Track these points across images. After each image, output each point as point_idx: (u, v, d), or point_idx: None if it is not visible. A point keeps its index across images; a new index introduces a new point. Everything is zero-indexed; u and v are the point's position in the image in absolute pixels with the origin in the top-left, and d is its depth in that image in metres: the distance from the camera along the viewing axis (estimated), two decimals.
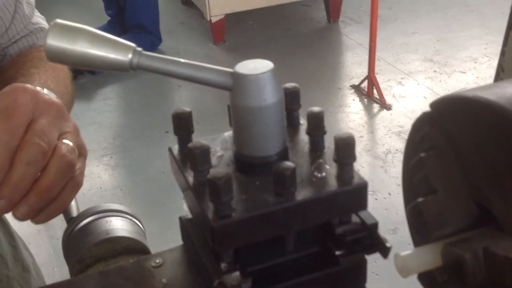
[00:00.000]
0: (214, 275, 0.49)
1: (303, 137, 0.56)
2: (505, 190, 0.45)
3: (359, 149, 3.01)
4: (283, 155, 0.52)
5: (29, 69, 0.80)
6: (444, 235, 0.48)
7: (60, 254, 0.78)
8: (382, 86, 3.40)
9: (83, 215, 0.76)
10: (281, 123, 0.52)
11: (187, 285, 0.56)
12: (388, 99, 3.38)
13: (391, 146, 3.01)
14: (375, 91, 3.38)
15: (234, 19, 4.21)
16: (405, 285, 0.67)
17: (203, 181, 0.50)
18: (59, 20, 0.49)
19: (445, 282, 0.48)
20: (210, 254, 0.51)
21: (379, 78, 3.46)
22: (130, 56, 0.49)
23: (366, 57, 3.40)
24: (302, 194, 0.49)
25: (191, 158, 0.50)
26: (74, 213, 0.79)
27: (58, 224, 0.78)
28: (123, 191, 2.71)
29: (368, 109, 3.37)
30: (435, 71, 3.69)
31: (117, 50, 0.49)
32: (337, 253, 0.53)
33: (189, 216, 0.57)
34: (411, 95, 3.45)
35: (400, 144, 3.00)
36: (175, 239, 0.61)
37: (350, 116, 3.31)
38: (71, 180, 0.61)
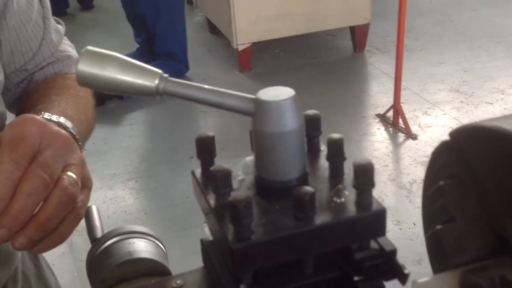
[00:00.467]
0: None
1: (323, 163, 0.57)
2: None
3: (384, 178, 2.99)
4: (303, 180, 0.53)
5: (50, 96, 0.82)
6: (462, 262, 0.48)
7: (84, 276, 0.79)
8: (407, 115, 3.39)
9: (107, 236, 0.78)
10: (301, 148, 0.53)
11: None
12: (414, 129, 3.37)
13: (416, 176, 2.99)
14: (400, 120, 3.37)
15: (261, 47, 4.26)
16: None
17: (224, 204, 0.51)
18: (90, 47, 0.52)
19: None
20: (230, 276, 0.52)
21: (405, 107, 3.45)
22: (156, 82, 0.51)
23: (392, 87, 3.40)
24: (321, 218, 0.50)
25: (213, 181, 0.52)
26: (99, 234, 0.81)
27: (83, 246, 0.80)
28: (147, 214, 2.73)
29: (393, 138, 3.35)
30: (461, 101, 3.67)
31: (144, 76, 0.51)
32: (356, 278, 0.53)
33: (210, 238, 0.58)
34: (437, 125, 3.43)
35: None
36: (197, 263, 0.62)
37: (375, 144, 3.30)
38: (71, 212, 0.61)
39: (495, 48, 4.33)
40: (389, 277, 0.53)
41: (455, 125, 3.40)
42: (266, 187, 0.53)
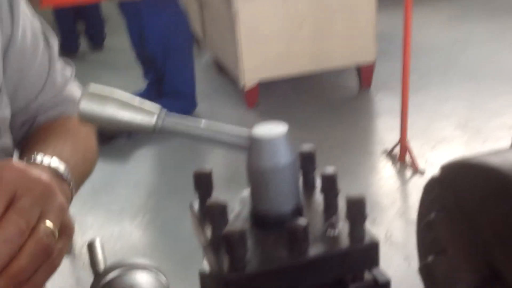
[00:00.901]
0: None
1: (318, 196, 0.58)
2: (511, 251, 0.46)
3: (392, 213, 2.98)
4: (298, 212, 0.55)
5: (47, 139, 0.82)
6: None
7: None
8: (415, 151, 3.39)
9: (109, 270, 0.79)
10: (295, 182, 0.54)
11: None
12: (421, 165, 3.37)
13: None
14: (407, 156, 3.38)
15: (267, 85, 4.31)
16: None
17: (220, 236, 0.52)
18: (91, 87, 0.54)
19: None
20: None
21: (412, 143, 3.46)
22: (154, 119, 0.53)
23: (398, 123, 3.42)
24: (314, 250, 0.51)
25: (209, 214, 0.54)
26: (101, 267, 0.82)
27: (90, 281, 0.80)
28: (154, 250, 2.73)
29: (400, 174, 3.36)
30: (468, 137, 3.68)
31: (142, 114, 0.53)
32: None
33: (208, 270, 0.59)
34: (444, 161, 3.43)
35: None
36: None
37: (382, 180, 3.30)
38: (46, 262, 0.59)
39: (501, 84, 4.35)
40: None
41: None
42: (261, 220, 0.55)
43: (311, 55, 4.25)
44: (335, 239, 0.52)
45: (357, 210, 0.51)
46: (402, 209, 3.04)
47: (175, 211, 2.98)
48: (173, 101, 3.96)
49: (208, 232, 0.54)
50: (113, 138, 3.75)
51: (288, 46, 4.16)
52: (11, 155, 0.85)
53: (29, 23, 0.89)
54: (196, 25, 5.21)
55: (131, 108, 0.54)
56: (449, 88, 4.40)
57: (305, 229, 0.50)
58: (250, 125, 0.54)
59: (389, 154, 3.52)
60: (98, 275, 0.79)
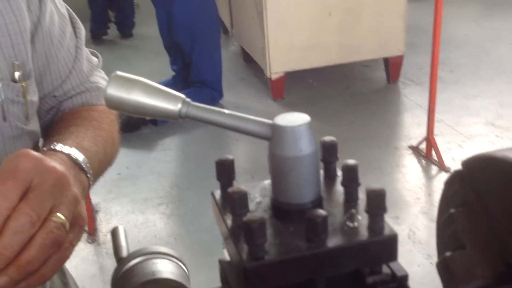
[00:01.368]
0: None
1: (339, 188, 0.58)
2: None
3: (415, 211, 2.95)
4: (318, 203, 0.55)
5: (70, 127, 0.83)
6: None
7: None
8: (441, 148, 3.35)
9: (131, 256, 0.80)
10: (315, 173, 0.54)
11: None
12: (447, 162, 3.33)
13: None
14: (433, 152, 3.34)
15: (294, 77, 4.30)
16: None
17: (240, 225, 0.53)
18: (118, 72, 0.55)
19: None
20: None
21: (438, 140, 3.42)
22: (179, 106, 0.54)
23: (425, 118, 3.38)
24: (333, 241, 0.51)
25: (230, 202, 0.54)
26: (124, 254, 0.84)
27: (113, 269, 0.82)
28: (177, 239, 2.76)
29: (426, 170, 3.32)
30: (496, 135, 3.62)
31: (168, 100, 0.54)
32: None
33: (228, 259, 0.60)
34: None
35: None
36: None
37: (407, 176, 3.27)
38: (56, 254, 0.61)
39: None
40: None
41: None
42: (282, 210, 0.55)
43: (339, 47, 4.22)
44: (353, 231, 0.52)
45: (377, 203, 0.51)
46: (426, 206, 3.01)
47: (198, 200, 3.01)
48: (199, 91, 3.99)
49: (229, 220, 0.55)
50: (140, 127, 3.79)
51: (316, 37, 4.14)
52: (38, 140, 0.87)
53: (57, 9, 0.90)
54: (224, 15, 5.22)
55: (156, 94, 0.54)
56: (479, 84, 4.33)
57: (324, 219, 0.50)
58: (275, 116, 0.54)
59: (415, 149, 3.48)
60: (120, 262, 0.80)
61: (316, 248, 0.50)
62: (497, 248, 0.49)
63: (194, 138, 3.68)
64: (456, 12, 5.72)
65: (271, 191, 0.57)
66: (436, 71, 3.24)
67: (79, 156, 0.75)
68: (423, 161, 3.39)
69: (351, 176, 0.56)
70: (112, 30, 5.95)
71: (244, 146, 3.59)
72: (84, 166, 0.74)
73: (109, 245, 2.84)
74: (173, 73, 4.25)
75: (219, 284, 0.63)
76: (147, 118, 3.48)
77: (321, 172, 0.60)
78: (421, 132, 3.52)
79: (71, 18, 0.94)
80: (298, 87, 4.39)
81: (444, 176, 3.23)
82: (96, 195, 3.06)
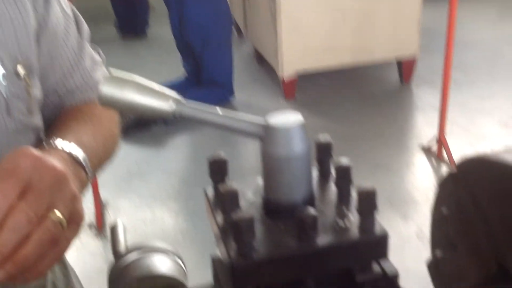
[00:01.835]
0: None
1: (332, 187, 0.58)
2: None
3: (425, 210, 2.93)
4: (309, 202, 0.55)
5: (69, 123, 0.84)
6: None
7: None
8: (452, 148, 3.32)
9: (128, 252, 0.81)
10: (308, 172, 0.54)
11: None
12: None
13: None
14: (444, 153, 3.32)
15: (306, 77, 4.29)
16: None
17: (230, 223, 0.53)
18: (113, 71, 0.55)
19: None
20: None
21: (451, 140, 3.39)
22: (172, 105, 0.54)
23: (437, 119, 3.36)
24: (323, 240, 0.51)
25: (221, 200, 0.54)
26: (122, 249, 0.84)
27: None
28: (184, 236, 2.77)
29: (436, 171, 3.30)
30: (509, 136, 3.58)
31: (161, 100, 0.54)
32: None
33: (219, 256, 0.60)
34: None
35: None
36: None
37: (417, 176, 3.25)
38: (52, 250, 0.62)
39: None
40: None
41: None
42: (273, 208, 0.55)
43: (352, 48, 4.20)
44: (344, 230, 0.52)
45: (368, 202, 0.51)
46: None
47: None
48: (211, 90, 3.99)
49: (219, 218, 0.55)
50: (151, 126, 3.80)
51: (329, 38, 4.12)
52: (41, 135, 0.88)
53: (62, 9, 0.91)
54: (237, 15, 5.22)
55: (150, 93, 0.55)
56: (493, 85, 4.28)
57: (315, 218, 0.50)
58: None
59: (427, 149, 3.46)
60: (118, 257, 0.80)
61: (306, 247, 0.50)
62: (488, 249, 0.48)
63: (204, 137, 3.68)
64: (472, 14, 5.67)
65: (263, 189, 0.57)
66: (449, 71, 3.22)
67: (79, 153, 0.75)
68: (434, 161, 3.37)
69: (344, 175, 0.56)
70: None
71: (253, 146, 3.58)
72: (83, 162, 0.75)
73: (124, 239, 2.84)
74: (185, 73, 4.26)
75: None
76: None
77: (315, 171, 0.60)
78: (433, 133, 3.49)
79: (75, 17, 0.95)
80: (310, 88, 4.38)
81: None
82: (105, 191, 3.07)
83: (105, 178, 3.20)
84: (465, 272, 0.49)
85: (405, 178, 3.25)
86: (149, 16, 6.04)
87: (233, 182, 0.57)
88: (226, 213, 0.54)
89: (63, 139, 0.76)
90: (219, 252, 0.59)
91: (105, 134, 0.88)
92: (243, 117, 0.55)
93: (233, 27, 4.35)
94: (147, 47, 5.71)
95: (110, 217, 2.95)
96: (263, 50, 4.63)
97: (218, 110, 0.55)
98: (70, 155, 0.74)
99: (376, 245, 0.51)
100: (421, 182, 3.19)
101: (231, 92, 4.15)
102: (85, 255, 2.67)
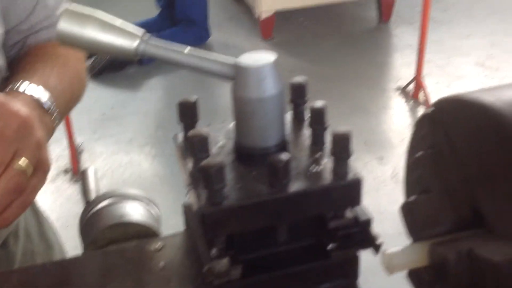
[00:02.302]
0: (205, 260, 0.51)
1: (306, 131, 0.56)
2: (497, 193, 0.44)
3: (400, 151, 2.96)
4: (282, 147, 0.53)
5: (35, 64, 0.81)
6: (433, 234, 0.48)
7: None
8: (429, 89, 3.33)
9: (100, 199, 0.79)
10: (280, 115, 0.52)
11: (184, 270, 0.57)
12: None
13: None
14: (421, 94, 3.32)
15: (284, 16, 4.21)
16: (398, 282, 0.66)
17: (199, 169, 0.51)
18: (71, 6, 0.51)
19: (431, 282, 0.47)
20: (204, 240, 0.52)
21: (428, 80, 3.39)
22: (136, 43, 0.51)
23: (415, 59, 3.34)
24: (295, 186, 0.50)
25: (191, 145, 0.52)
26: (93, 196, 0.82)
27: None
28: (161, 179, 2.76)
29: (413, 112, 3.31)
30: (486, 76, 3.59)
31: (124, 37, 0.51)
32: (329, 247, 0.53)
33: (190, 203, 0.58)
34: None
35: None
36: None
37: (393, 118, 3.26)
38: (19, 198, 0.61)
39: None
40: (363, 247, 0.53)
41: None
42: (245, 154, 0.53)
43: None
44: (317, 175, 0.50)
45: (342, 146, 0.49)
46: None
47: None
48: (185, 30, 3.90)
49: (189, 164, 0.53)
50: (125, 67, 3.72)
51: None
52: (4, 75, 0.84)
53: None
54: None
55: (112, 30, 0.51)
56: (472, 23, 4.25)
57: (286, 164, 0.48)
58: None
59: (403, 90, 3.46)
60: (88, 204, 0.79)
61: (277, 193, 0.49)
62: (463, 193, 0.47)
63: (180, 78, 3.62)
64: None
65: (234, 134, 0.54)
66: (428, 10, 3.17)
67: (44, 97, 0.72)
68: (411, 102, 3.37)
69: (319, 118, 0.54)
70: None
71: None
72: (49, 107, 0.72)
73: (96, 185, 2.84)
74: (158, 10, 4.14)
75: None
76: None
77: (290, 114, 0.58)
78: (410, 73, 3.48)
79: None
80: (288, 26, 4.30)
81: None
82: (81, 135, 3.03)
83: (80, 122, 3.16)
84: (438, 217, 0.48)
85: (382, 120, 3.26)
86: None
87: (203, 127, 0.55)
88: (195, 159, 0.52)
89: (28, 82, 0.73)
90: (190, 199, 0.57)
91: (72, 75, 0.85)
92: (212, 57, 0.52)
93: None
94: None
95: (85, 161, 2.92)
96: None
97: (186, 49, 0.52)
98: (35, 99, 0.71)
99: (349, 190, 0.50)
100: (397, 123, 3.20)
101: (206, 31, 4.05)
102: (61, 200, 2.65)
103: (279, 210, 0.50)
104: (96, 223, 0.75)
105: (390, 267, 0.47)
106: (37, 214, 1.01)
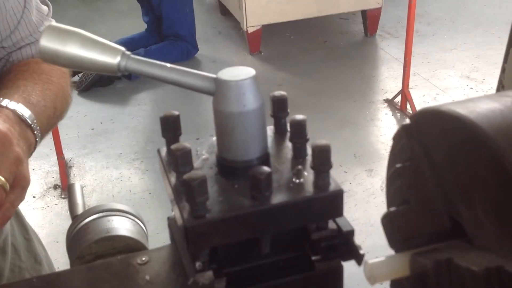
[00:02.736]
0: (189, 273, 0.51)
1: (288, 144, 0.57)
2: (473, 203, 0.45)
3: None
4: (264, 160, 0.54)
5: (17, 81, 0.81)
6: (413, 245, 0.48)
7: None
8: (416, 101, 3.36)
9: (86, 214, 0.79)
10: (261, 129, 0.53)
11: (169, 283, 0.58)
12: None
13: None
14: (408, 106, 3.35)
15: (271, 30, 4.24)
16: None
17: (182, 183, 0.51)
18: (53, 23, 0.52)
19: None
20: (187, 253, 0.52)
21: (414, 93, 3.42)
22: (118, 59, 0.52)
23: (401, 72, 3.37)
24: (277, 198, 0.50)
25: (174, 159, 0.52)
26: (80, 211, 0.82)
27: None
28: (152, 194, 2.76)
29: (400, 123, 3.33)
30: (471, 88, 3.63)
31: (106, 53, 0.51)
32: (313, 258, 0.53)
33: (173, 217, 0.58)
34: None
35: None
36: None
37: (382, 130, 3.28)
38: None
39: (508, 35, 4.25)
40: (346, 258, 0.53)
41: None
42: (227, 167, 0.54)
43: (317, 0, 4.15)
44: (299, 187, 0.51)
45: (322, 159, 0.50)
46: None
47: None
48: (173, 45, 3.91)
49: (172, 178, 0.54)
50: (113, 82, 3.72)
51: None
52: None
53: None
54: None
55: (94, 47, 0.52)
56: (456, 36, 4.31)
57: (268, 176, 0.49)
58: None
59: (391, 102, 3.49)
60: (75, 219, 0.79)
61: (259, 206, 0.49)
62: (441, 204, 0.48)
63: (169, 92, 3.63)
64: None
65: (216, 148, 0.55)
66: (413, 23, 3.21)
67: (26, 113, 0.72)
68: (398, 115, 3.40)
69: (299, 131, 0.55)
70: None
71: None
72: (30, 122, 0.72)
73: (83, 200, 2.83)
74: (146, 26, 4.16)
75: None
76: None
77: (271, 128, 0.59)
78: (397, 86, 3.52)
79: None
80: (275, 40, 4.33)
81: None
82: (70, 151, 3.02)
83: (69, 138, 3.15)
84: (418, 228, 0.49)
85: (371, 132, 3.28)
86: None
87: (186, 141, 0.55)
88: (178, 173, 0.52)
89: (10, 98, 0.73)
90: (173, 213, 0.58)
91: (56, 92, 0.85)
92: (193, 72, 0.53)
93: None
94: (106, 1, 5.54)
95: (75, 177, 2.91)
96: (227, 1, 4.54)
97: (167, 64, 0.53)
98: (16, 114, 0.71)
99: (331, 201, 0.51)
100: (385, 136, 3.22)
101: (194, 46, 4.07)
102: (50, 216, 2.64)
103: (261, 222, 0.50)
104: (82, 238, 0.75)
105: (372, 278, 0.47)
106: (25, 230, 1.01)
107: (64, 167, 2.84)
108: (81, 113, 3.44)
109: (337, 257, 0.53)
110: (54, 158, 2.83)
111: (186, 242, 0.49)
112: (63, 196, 2.76)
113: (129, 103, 3.62)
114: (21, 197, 0.64)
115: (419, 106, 3.36)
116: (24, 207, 1.04)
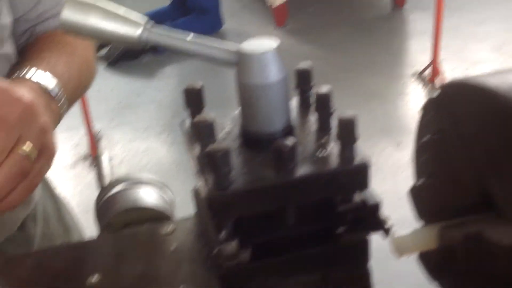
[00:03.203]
0: (214, 243, 0.51)
1: (312, 117, 0.56)
2: (504, 176, 0.44)
3: None
4: (288, 132, 0.53)
5: (42, 53, 0.81)
6: (442, 218, 0.48)
7: None
8: (446, 75, 3.29)
9: (113, 184, 0.80)
10: (284, 100, 0.52)
11: (194, 253, 0.58)
12: None
13: None
14: (438, 79, 3.29)
15: (297, 4, 4.18)
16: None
17: (206, 155, 0.51)
18: None
19: (441, 265, 0.47)
20: (212, 224, 0.53)
21: (444, 66, 3.35)
22: (139, 31, 0.51)
23: (430, 45, 3.30)
24: (301, 170, 0.50)
25: (197, 131, 0.52)
26: (106, 181, 0.83)
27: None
28: (178, 166, 2.78)
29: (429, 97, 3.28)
30: (503, 61, 3.54)
31: (127, 26, 0.51)
32: (338, 230, 0.53)
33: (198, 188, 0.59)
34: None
35: None
36: None
37: (410, 104, 3.23)
38: (23, 182, 0.61)
39: None
40: (372, 230, 0.53)
41: None
42: (251, 139, 0.53)
43: None
44: (324, 160, 0.50)
45: (348, 130, 0.49)
46: None
47: None
48: (198, 19, 3.89)
49: (196, 150, 0.53)
50: (140, 55, 3.73)
51: None
52: (14, 63, 0.85)
53: None
54: None
55: (115, 18, 0.51)
56: (486, 9, 4.19)
57: (292, 148, 0.49)
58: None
59: (420, 76, 3.43)
60: (103, 189, 0.80)
61: (283, 178, 0.49)
62: (471, 177, 0.47)
63: (195, 66, 3.62)
64: None
65: (240, 119, 0.55)
66: None
67: (50, 84, 0.73)
68: (428, 88, 3.34)
69: (324, 104, 0.54)
70: None
71: None
72: (55, 94, 0.73)
73: (112, 171, 2.88)
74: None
75: None
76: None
77: (296, 100, 0.58)
78: (426, 59, 3.45)
79: None
80: (301, 14, 4.27)
81: None
82: (98, 123, 3.06)
83: (97, 110, 3.18)
84: (446, 201, 0.48)
85: (399, 106, 3.23)
86: None
87: (209, 113, 0.55)
88: (202, 144, 0.52)
89: (36, 68, 0.74)
90: (198, 184, 0.58)
91: (80, 62, 0.85)
92: (215, 44, 0.52)
93: None
94: None
95: (104, 148, 2.94)
96: None
97: (189, 36, 0.52)
98: (42, 86, 0.72)
99: (356, 174, 0.50)
100: (415, 110, 3.18)
101: (219, 19, 4.04)
102: (81, 187, 2.68)
103: (285, 194, 0.50)
104: (110, 208, 0.76)
105: (399, 250, 0.47)
106: (55, 199, 1.03)
107: (93, 139, 2.87)
108: (108, 86, 3.46)
109: (363, 229, 0.53)
110: (83, 130, 2.87)
111: (210, 213, 0.49)
112: (93, 166, 2.80)
113: (156, 77, 3.63)
114: (47, 166, 0.64)
115: (449, 80, 3.30)
116: (54, 177, 1.05)
